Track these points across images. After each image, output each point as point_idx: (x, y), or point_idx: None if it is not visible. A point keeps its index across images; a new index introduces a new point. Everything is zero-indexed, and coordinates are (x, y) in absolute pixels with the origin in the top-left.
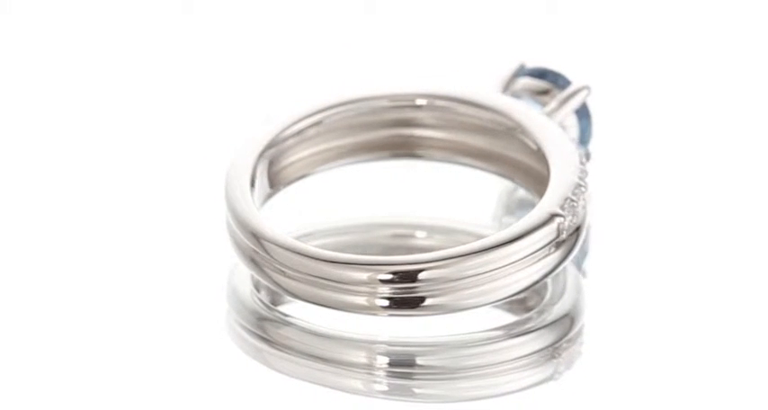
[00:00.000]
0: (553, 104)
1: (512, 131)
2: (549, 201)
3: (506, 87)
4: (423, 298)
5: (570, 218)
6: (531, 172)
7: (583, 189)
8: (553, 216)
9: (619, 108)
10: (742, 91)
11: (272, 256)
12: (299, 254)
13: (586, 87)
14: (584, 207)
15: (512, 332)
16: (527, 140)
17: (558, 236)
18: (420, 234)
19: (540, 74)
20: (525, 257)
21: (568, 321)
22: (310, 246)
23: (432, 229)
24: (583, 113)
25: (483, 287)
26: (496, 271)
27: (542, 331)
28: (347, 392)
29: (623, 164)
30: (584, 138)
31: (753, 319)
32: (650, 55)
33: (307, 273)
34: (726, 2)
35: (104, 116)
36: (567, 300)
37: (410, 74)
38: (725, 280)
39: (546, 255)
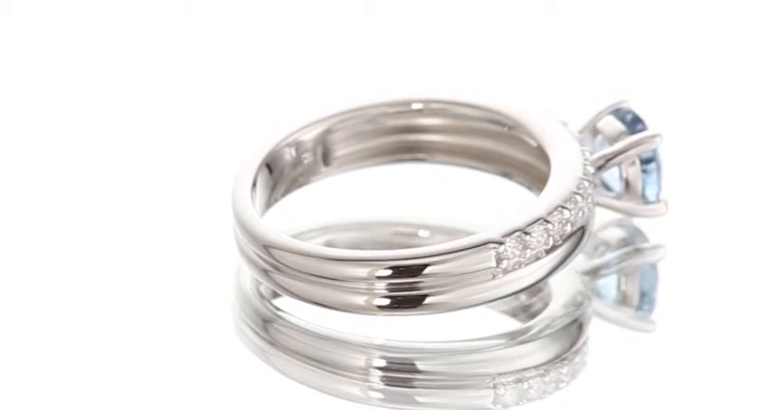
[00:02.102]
0: (617, 147)
1: (511, 130)
2: (495, 229)
3: (593, 120)
4: (424, 296)
5: (514, 249)
6: (532, 171)
7: (585, 186)
8: (489, 243)
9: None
10: None
11: (270, 255)
12: (295, 252)
13: (657, 135)
14: (586, 205)
15: (514, 339)
16: (526, 138)
17: (497, 264)
18: (423, 233)
19: (624, 116)
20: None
21: (571, 334)
22: (307, 243)
23: (434, 229)
24: (652, 162)
25: (483, 284)
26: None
27: (544, 341)
28: (344, 398)
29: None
30: (650, 188)
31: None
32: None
33: (304, 271)
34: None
35: (111, 120)
36: (571, 312)
37: (407, 79)
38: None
39: (545, 255)
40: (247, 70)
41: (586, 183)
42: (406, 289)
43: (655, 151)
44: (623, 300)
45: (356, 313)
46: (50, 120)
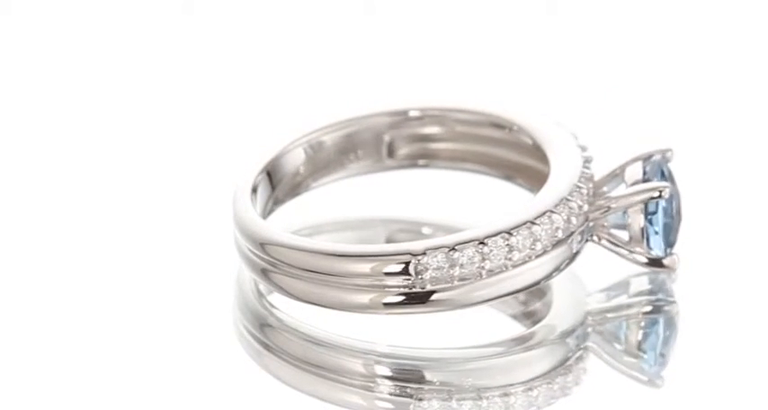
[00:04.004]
0: (619, 193)
1: (509, 132)
2: (413, 245)
3: (625, 164)
4: (431, 292)
5: (440, 263)
6: (534, 173)
7: (543, 221)
8: (407, 254)
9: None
10: None
11: (267, 253)
12: (294, 248)
13: (659, 189)
14: (581, 203)
15: (516, 347)
16: (526, 141)
17: (415, 276)
18: (426, 230)
19: (651, 166)
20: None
21: (565, 346)
22: (307, 239)
23: (438, 227)
24: (655, 214)
25: (492, 278)
26: (502, 262)
27: (544, 350)
28: (343, 406)
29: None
30: (655, 240)
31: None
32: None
33: (304, 269)
34: None
35: (112, 123)
36: (569, 321)
37: (406, 87)
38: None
39: (550, 250)
40: (245, 73)
41: (546, 219)
42: (412, 286)
43: (665, 203)
44: (632, 351)
45: (359, 312)
46: (51, 121)
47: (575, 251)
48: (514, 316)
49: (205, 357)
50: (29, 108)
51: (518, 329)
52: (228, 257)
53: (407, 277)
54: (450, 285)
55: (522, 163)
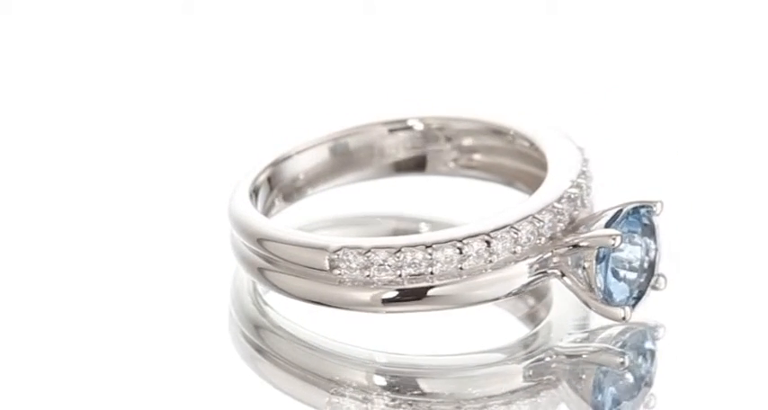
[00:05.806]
0: (576, 236)
1: (508, 138)
2: (335, 241)
3: (610, 208)
4: (428, 288)
5: (353, 262)
6: (531, 177)
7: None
8: (324, 249)
9: None
10: None
11: (265, 248)
12: (293, 244)
13: (608, 236)
14: (579, 200)
15: (518, 353)
16: (522, 142)
17: (330, 269)
18: (424, 227)
19: (623, 214)
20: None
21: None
22: (306, 234)
23: (437, 225)
24: (604, 260)
25: (492, 275)
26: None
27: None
28: None
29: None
30: (608, 289)
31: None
32: None
33: (304, 265)
34: None
35: (111, 123)
36: (570, 325)
37: (404, 97)
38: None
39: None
40: (246, 75)
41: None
42: (413, 280)
43: (627, 254)
44: (586, 398)
45: (358, 310)
46: (50, 121)
47: (529, 278)
48: (517, 317)
49: (200, 360)
50: (29, 108)
51: (521, 331)
52: (226, 259)
53: (328, 272)
54: (450, 281)
55: (523, 168)
